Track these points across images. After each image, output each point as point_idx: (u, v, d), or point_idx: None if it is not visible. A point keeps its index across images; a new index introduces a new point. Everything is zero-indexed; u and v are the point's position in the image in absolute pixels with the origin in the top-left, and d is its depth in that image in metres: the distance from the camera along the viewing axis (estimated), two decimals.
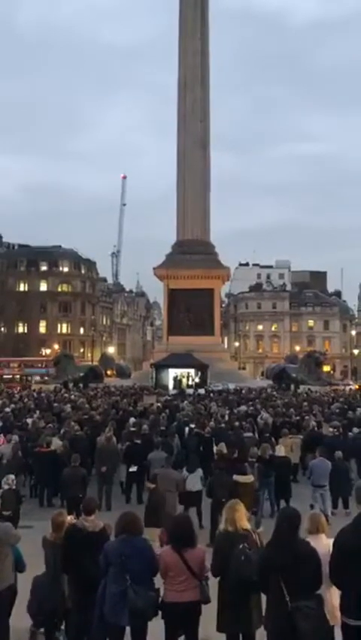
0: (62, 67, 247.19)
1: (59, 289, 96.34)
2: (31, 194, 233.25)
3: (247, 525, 6.56)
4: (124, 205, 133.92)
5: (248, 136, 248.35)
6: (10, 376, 64.17)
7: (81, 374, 49.47)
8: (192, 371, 45.98)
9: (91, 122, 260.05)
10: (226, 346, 76.47)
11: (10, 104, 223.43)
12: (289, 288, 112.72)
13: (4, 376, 63.12)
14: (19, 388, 46.99)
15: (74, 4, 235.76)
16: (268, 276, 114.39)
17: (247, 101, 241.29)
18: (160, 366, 47.33)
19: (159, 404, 27.08)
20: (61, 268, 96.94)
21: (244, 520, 6.52)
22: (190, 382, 44.94)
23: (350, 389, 47.59)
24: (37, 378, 61.31)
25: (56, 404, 27.37)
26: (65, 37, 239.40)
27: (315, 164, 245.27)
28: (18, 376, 65.62)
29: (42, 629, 7.09)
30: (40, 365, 67.85)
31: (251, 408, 25.11)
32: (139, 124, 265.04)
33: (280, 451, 15.26)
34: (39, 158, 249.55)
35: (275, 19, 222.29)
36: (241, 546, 6.14)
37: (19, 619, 7.19)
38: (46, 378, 58.69)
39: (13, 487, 11.23)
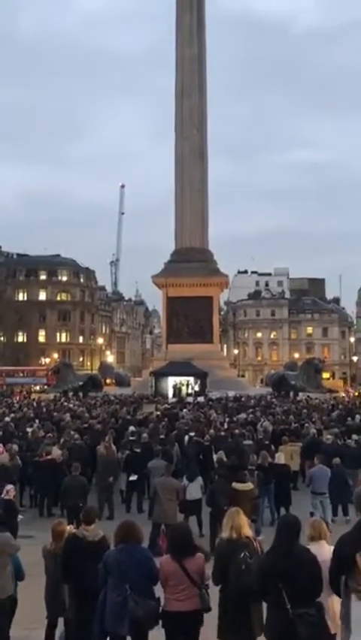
0: (60, 74, 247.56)
1: (58, 298, 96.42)
2: (30, 203, 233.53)
3: (249, 533, 6.55)
4: (122, 214, 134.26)
5: (246, 142, 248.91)
6: None
7: (80, 383, 49.41)
8: (191, 379, 45.94)
9: (89, 129, 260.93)
10: (225, 354, 76.42)
11: (9, 111, 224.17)
12: (287, 295, 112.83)
13: None
14: (18, 397, 46.88)
15: (74, 11, 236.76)
16: (267, 284, 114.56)
17: (246, 107, 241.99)
18: (159, 375, 47.28)
19: (158, 412, 27.05)
20: (60, 277, 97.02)
21: (246, 527, 6.51)
22: (190, 390, 44.90)
23: (351, 395, 47.61)
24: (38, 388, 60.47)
25: (55, 413, 27.34)
26: (64, 44, 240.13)
27: (313, 171, 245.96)
28: None
29: None
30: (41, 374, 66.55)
31: (251, 415, 25.10)
32: (137, 131, 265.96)
33: (280, 458, 15.26)
34: (37, 166, 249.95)
35: (274, 26, 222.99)
36: (241, 554, 6.13)
37: (19, 629, 7.18)
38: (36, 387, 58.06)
39: (11, 497, 11.15)
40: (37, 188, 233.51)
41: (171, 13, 57.60)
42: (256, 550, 6.29)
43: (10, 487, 11.27)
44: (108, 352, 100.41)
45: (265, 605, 5.89)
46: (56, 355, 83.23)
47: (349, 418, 23.68)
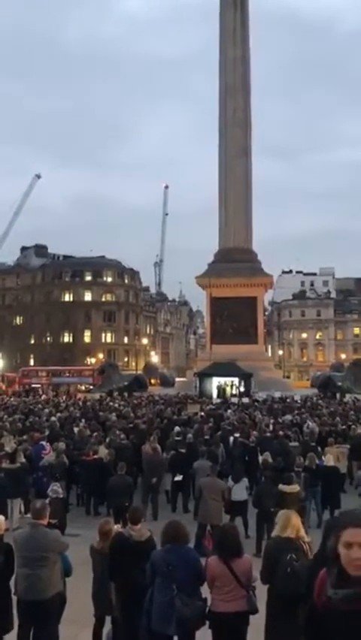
0: (106, 80, 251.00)
1: (103, 299, 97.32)
2: (76, 205, 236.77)
3: (305, 535, 6.49)
4: (166, 215, 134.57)
5: (291, 142, 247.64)
6: (39, 385, 62.02)
7: (126, 383, 49.78)
8: (236, 380, 45.78)
9: (134, 132, 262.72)
10: (269, 355, 75.90)
11: (57, 115, 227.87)
12: (333, 295, 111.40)
13: (33, 385, 61.51)
14: (64, 397, 47.48)
15: (118, 16, 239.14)
16: (312, 284, 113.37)
17: (291, 106, 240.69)
18: (204, 375, 47.25)
19: (203, 413, 27.03)
20: (105, 278, 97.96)
21: (302, 530, 6.48)
22: (234, 391, 44.74)
23: None
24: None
25: (101, 413, 27.58)
26: (108, 49, 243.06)
27: (358, 170, 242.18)
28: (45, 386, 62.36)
29: None
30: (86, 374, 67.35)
31: (297, 417, 24.87)
32: (182, 133, 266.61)
33: (329, 460, 15.07)
34: (83, 169, 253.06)
35: (319, 25, 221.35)
36: (288, 557, 6.08)
37: (68, 626, 7.26)
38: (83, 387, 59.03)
39: (60, 495, 11.35)
40: (83, 191, 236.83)
41: (215, 15, 57.68)
42: (306, 553, 6.22)
43: (56, 485, 11.44)
44: (153, 353, 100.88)
45: None
46: (101, 355, 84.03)
47: None
